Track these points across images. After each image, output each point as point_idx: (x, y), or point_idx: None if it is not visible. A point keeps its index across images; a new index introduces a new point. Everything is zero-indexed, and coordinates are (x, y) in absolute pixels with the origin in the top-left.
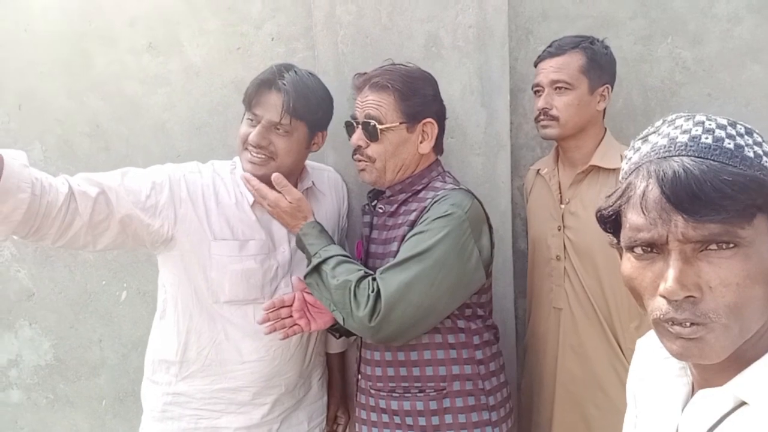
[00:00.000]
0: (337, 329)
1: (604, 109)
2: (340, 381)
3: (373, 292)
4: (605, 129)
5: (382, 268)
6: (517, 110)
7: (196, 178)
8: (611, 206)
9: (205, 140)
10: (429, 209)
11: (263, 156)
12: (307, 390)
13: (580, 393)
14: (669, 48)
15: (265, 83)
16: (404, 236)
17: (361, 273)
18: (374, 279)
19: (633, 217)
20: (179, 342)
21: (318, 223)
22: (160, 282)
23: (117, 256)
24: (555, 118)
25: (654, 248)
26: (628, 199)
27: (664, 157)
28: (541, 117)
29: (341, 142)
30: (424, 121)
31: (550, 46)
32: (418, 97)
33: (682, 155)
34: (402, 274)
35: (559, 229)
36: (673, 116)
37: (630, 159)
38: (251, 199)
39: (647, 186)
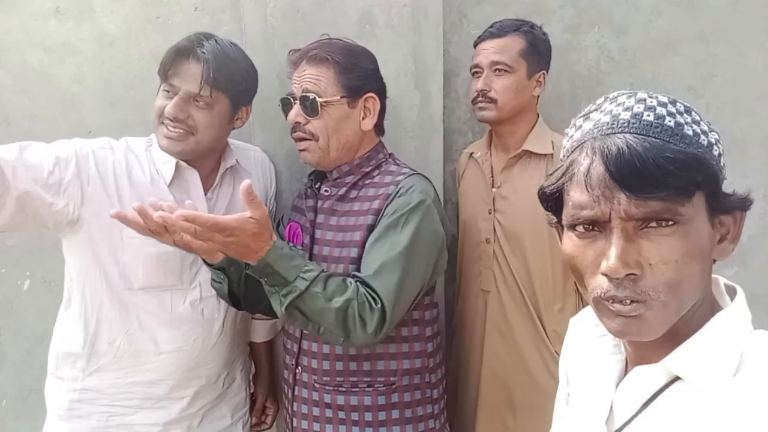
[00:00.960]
0: (218, 267)
1: (538, 95)
2: (268, 370)
3: (377, 305)
4: (538, 115)
5: (370, 274)
6: (450, 94)
7: (107, 154)
8: (554, 184)
9: (119, 116)
10: (395, 197)
11: (181, 130)
12: (231, 382)
13: (506, 375)
14: (596, 37)
15: (183, 52)
16: (371, 226)
17: (352, 285)
18: (368, 288)
19: (576, 195)
20: (87, 333)
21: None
22: (66, 269)
23: (19, 242)
24: (493, 101)
25: (596, 226)
26: (571, 177)
27: (608, 134)
28: (479, 99)
29: (270, 121)
30: (365, 95)
31: (491, 27)
32: (359, 70)
33: (625, 132)
34: (394, 277)
35: (490, 213)
36: (615, 93)
37: (572, 137)
38: (168, 178)
39: (591, 163)
